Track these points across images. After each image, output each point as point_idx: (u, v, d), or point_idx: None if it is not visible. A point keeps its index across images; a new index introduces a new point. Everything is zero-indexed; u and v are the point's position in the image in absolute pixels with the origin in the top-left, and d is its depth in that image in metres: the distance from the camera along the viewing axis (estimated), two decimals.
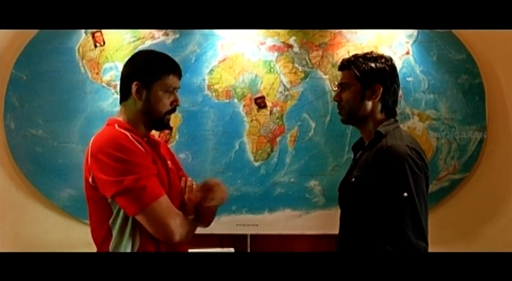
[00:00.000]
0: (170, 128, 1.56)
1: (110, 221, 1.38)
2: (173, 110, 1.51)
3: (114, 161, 1.33)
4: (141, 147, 1.39)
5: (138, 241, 1.38)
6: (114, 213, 1.38)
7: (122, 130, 1.41)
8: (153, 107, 1.45)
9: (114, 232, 1.38)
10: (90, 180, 1.37)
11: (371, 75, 1.55)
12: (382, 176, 1.43)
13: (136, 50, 2.45)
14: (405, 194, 1.39)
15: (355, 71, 1.56)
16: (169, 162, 1.55)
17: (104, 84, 2.47)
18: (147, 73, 1.45)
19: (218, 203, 1.52)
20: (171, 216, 1.36)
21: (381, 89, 1.55)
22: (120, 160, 1.33)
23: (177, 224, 1.36)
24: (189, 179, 1.57)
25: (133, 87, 1.43)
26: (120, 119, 1.47)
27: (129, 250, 1.37)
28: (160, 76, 1.45)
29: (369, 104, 1.56)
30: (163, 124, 1.50)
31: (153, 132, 1.62)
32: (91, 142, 1.40)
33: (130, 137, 1.38)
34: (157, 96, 1.45)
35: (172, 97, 1.49)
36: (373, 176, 1.45)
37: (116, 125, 1.43)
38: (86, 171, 1.40)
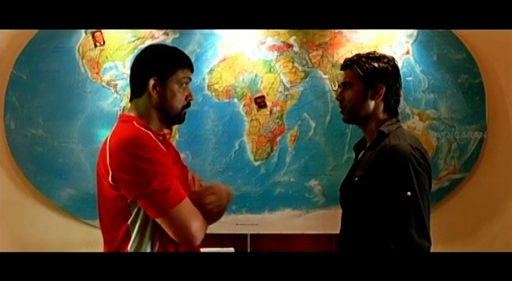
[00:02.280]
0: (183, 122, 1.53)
1: (129, 222, 1.34)
2: (188, 105, 1.49)
3: (137, 161, 1.29)
4: (162, 146, 1.37)
5: (157, 242, 1.35)
6: (134, 214, 1.33)
7: (143, 128, 1.37)
8: (169, 103, 1.43)
9: (134, 233, 1.33)
10: (110, 179, 1.32)
11: (374, 75, 1.55)
12: (386, 176, 1.43)
13: (136, 50, 2.45)
14: (409, 193, 1.39)
15: (358, 70, 1.56)
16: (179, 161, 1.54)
17: (103, 84, 2.47)
18: (163, 68, 1.43)
19: (212, 208, 1.45)
20: (192, 219, 1.32)
21: (384, 89, 1.55)
22: (144, 159, 1.29)
23: (197, 228, 1.33)
24: (190, 173, 1.54)
25: (151, 82, 1.40)
26: (134, 115, 1.43)
27: (148, 251, 1.34)
28: (175, 70, 1.43)
29: (372, 104, 1.56)
30: (179, 119, 1.48)
31: None
32: (109, 139, 1.36)
33: (152, 136, 1.36)
34: (173, 92, 1.43)
35: (186, 92, 1.47)
36: (377, 175, 1.45)
37: (135, 123, 1.39)
38: (103, 169, 1.35)
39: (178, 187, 1.34)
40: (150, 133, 1.37)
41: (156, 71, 1.42)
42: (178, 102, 1.45)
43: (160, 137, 1.44)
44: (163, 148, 1.38)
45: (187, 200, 1.34)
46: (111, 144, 1.34)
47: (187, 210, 1.33)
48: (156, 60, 1.45)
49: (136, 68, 1.47)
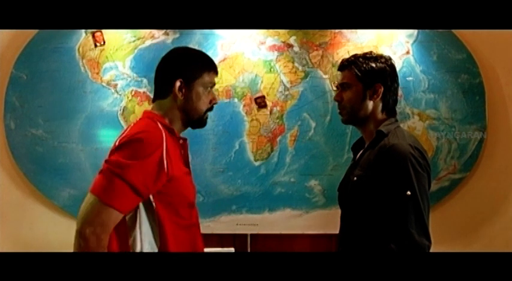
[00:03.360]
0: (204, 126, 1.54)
1: (127, 218, 1.34)
2: (211, 109, 1.52)
3: (126, 156, 1.29)
4: (164, 159, 1.33)
5: (158, 241, 1.35)
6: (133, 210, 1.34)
7: (163, 130, 1.38)
8: (194, 105, 1.46)
9: (134, 230, 1.34)
10: None
11: (372, 75, 1.55)
12: (385, 175, 1.43)
13: (136, 50, 2.46)
14: (408, 192, 1.39)
15: (356, 70, 1.56)
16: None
17: (104, 84, 2.47)
18: (190, 70, 1.45)
19: None
20: (97, 227, 1.25)
21: (382, 89, 1.55)
22: (132, 157, 1.28)
23: (88, 234, 1.25)
24: None
25: (177, 84, 1.42)
26: (159, 115, 1.45)
27: (147, 248, 1.35)
28: (202, 73, 1.46)
29: (370, 104, 1.57)
30: (202, 122, 1.51)
31: None
32: (127, 130, 1.37)
33: (164, 143, 1.34)
34: (198, 94, 1.46)
35: (211, 95, 1.50)
36: (376, 175, 1.46)
37: (159, 123, 1.40)
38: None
39: (127, 199, 1.28)
40: (164, 138, 1.35)
41: (183, 73, 1.44)
42: (203, 105, 1.48)
43: (181, 141, 1.47)
44: (165, 160, 1.33)
45: (115, 213, 1.27)
46: (123, 135, 1.36)
47: (105, 217, 1.26)
48: (184, 62, 1.47)
49: (162, 70, 1.49)
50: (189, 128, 1.55)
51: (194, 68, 1.46)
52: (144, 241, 1.35)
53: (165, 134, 1.37)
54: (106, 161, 1.31)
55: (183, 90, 1.44)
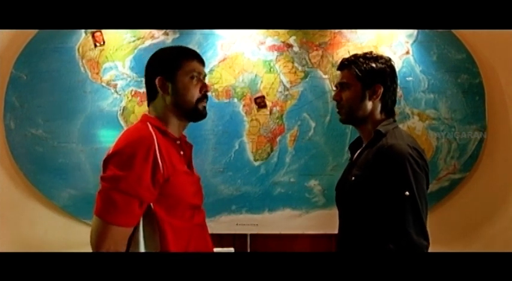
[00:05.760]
0: (205, 117, 1.50)
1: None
2: (204, 97, 1.48)
3: (116, 164, 1.30)
4: (159, 161, 1.33)
5: (158, 245, 1.35)
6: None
7: (154, 132, 1.37)
8: (183, 97, 1.43)
9: (136, 234, 1.34)
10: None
11: (372, 75, 1.55)
12: (383, 175, 1.43)
13: (136, 50, 2.46)
14: (407, 193, 1.39)
15: (356, 70, 1.56)
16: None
17: (103, 84, 2.47)
18: (167, 64, 1.44)
19: None
20: (103, 245, 1.28)
21: (381, 89, 1.55)
22: (120, 166, 1.29)
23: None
24: None
25: (158, 82, 1.42)
26: (153, 116, 1.45)
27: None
28: (180, 64, 1.44)
29: (369, 104, 1.57)
30: (198, 113, 1.47)
31: None
32: (118, 139, 1.38)
33: (156, 146, 1.33)
34: (183, 85, 1.43)
35: (200, 84, 1.46)
36: (374, 174, 1.46)
37: (149, 125, 1.40)
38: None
39: (131, 210, 1.30)
40: (155, 140, 1.34)
41: (161, 69, 1.44)
42: (192, 95, 1.44)
43: (178, 141, 1.46)
44: (159, 161, 1.33)
45: (123, 229, 1.30)
46: (114, 145, 1.36)
47: (115, 236, 1.28)
48: (159, 59, 1.47)
49: (146, 73, 1.50)
50: (192, 129, 1.54)
51: (171, 61, 1.44)
52: (145, 243, 1.34)
53: (156, 136, 1.36)
54: (101, 179, 1.31)
55: (168, 86, 1.43)
